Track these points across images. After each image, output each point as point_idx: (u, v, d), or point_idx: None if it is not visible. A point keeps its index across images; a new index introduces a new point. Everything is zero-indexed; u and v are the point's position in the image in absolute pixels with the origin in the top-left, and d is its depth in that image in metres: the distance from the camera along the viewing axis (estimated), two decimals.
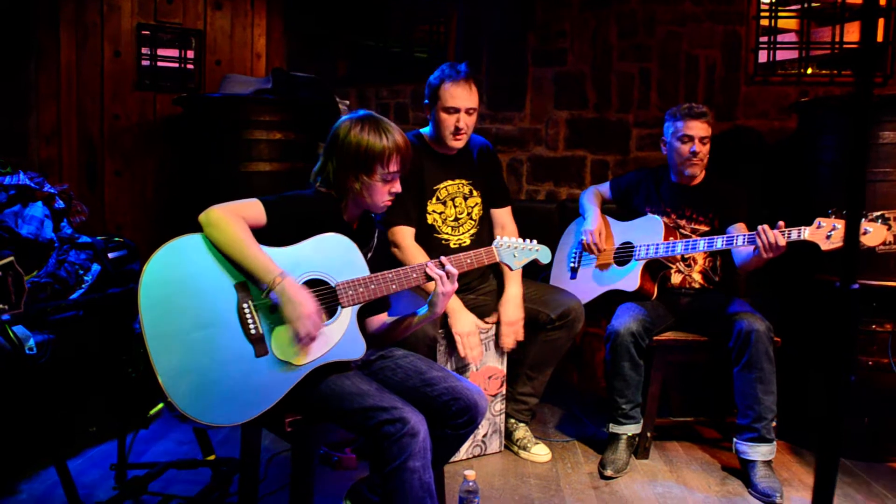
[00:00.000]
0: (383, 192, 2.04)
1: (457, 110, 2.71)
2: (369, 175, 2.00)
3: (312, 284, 1.89)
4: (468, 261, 2.08)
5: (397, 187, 2.05)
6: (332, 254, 1.95)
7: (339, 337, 1.91)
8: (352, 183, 2.02)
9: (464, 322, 2.70)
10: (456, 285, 2.03)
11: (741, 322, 2.70)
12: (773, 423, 2.70)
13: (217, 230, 1.81)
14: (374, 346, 2.19)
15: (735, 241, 2.67)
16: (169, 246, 1.78)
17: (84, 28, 3.69)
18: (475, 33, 4.07)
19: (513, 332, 2.82)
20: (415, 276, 2.00)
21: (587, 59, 3.94)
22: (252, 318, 1.80)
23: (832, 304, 0.99)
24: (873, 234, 2.40)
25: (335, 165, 2.02)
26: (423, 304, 2.12)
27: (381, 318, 2.18)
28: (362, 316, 2.15)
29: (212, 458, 2.54)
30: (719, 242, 2.71)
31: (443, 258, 2.02)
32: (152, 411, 2.49)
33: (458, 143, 2.77)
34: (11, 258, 2.45)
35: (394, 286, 1.97)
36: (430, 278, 2.01)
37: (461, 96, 2.69)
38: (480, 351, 2.74)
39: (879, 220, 2.41)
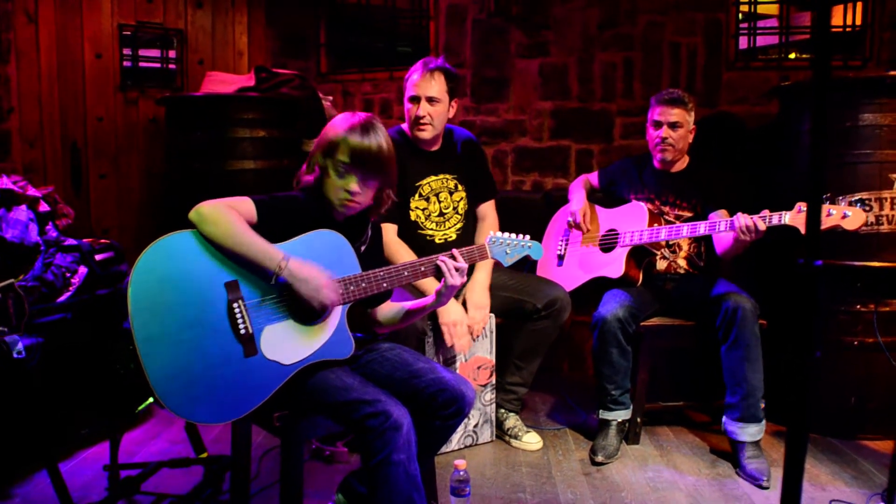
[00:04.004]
0: (336, 186, 1.97)
1: (417, 99, 2.73)
2: (324, 158, 1.99)
3: None
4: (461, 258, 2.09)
5: (353, 186, 1.97)
6: (324, 251, 1.94)
7: (328, 336, 1.91)
8: (315, 165, 2.01)
9: (451, 312, 2.71)
10: (465, 278, 2.04)
11: (727, 301, 2.72)
12: (762, 404, 2.73)
13: (212, 224, 1.80)
14: (382, 332, 2.21)
15: (717, 227, 2.69)
16: (157, 245, 1.77)
17: (64, 29, 3.67)
18: (459, 26, 4.07)
19: (479, 318, 2.81)
20: (406, 273, 2.00)
21: (570, 50, 3.95)
22: (242, 317, 1.80)
23: (796, 282, 1.01)
24: (852, 218, 2.42)
25: (313, 151, 2.03)
26: (411, 298, 2.13)
27: (392, 307, 2.18)
28: (368, 307, 2.17)
29: (204, 455, 2.55)
30: (702, 228, 2.73)
31: (454, 251, 2.04)
32: (140, 407, 2.50)
33: (423, 134, 2.77)
34: (12, 280, 2.45)
35: (385, 284, 1.98)
36: (422, 275, 2.01)
37: (421, 85, 2.72)
38: (468, 340, 2.76)
39: (858, 204, 2.43)
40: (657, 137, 2.96)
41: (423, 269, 2.01)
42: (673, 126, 2.94)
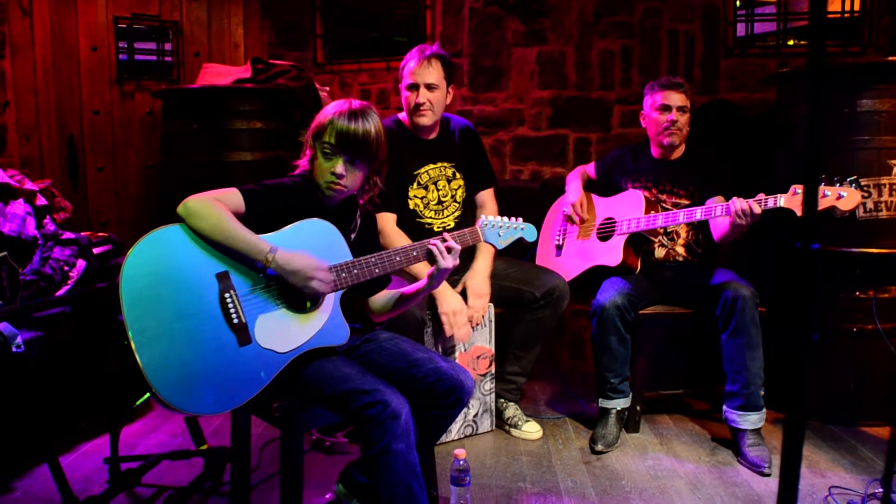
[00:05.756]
0: (324, 168, 1.99)
1: (416, 86, 2.74)
2: (313, 141, 2.01)
3: None
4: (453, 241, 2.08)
5: (339, 168, 1.97)
6: (315, 239, 1.95)
7: (322, 323, 1.92)
8: (308, 152, 2.03)
9: (450, 301, 2.71)
10: (457, 261, 2.04)
11: (727, 290, 2.72)
12: (762, 391, 2.73)
13: (200, 218, 1.80)
14: (379, 321, 2.21)
15: (714, 212, 2.69)
16: (147, 238, 1.76)
17: (59, 22, 3.66)
18: (455, 15, 4.05)
19: (479, 306, 2.81)
20: (398, 258, 2.00)
21: (568, 38, 3.93)
22: (234, 307, 1.80)
23: (794, 266, 1.01)
24: (847, 198, 2.42)
25: (307, 135, 2.04)
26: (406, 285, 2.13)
27: (384, 295, 2.19)
28: (364, 296, 2.17)
29: (204, 447, 2.55)
30: (698, 213, 2.73)
31: (445, 234, 2.04)
32: (138, 402, 2.50)
33: (423, 120, 2.78)
34: (5, 253, 2.44)
35: (377, 270, 1.98)
36: (414, 260, 2.02)
37: (419, 72, 2.73)
38: (468, 330, 2.76)
39: (853, 185, 2.42)
40: (667, 121, 2.95)
41: (414, 253, 2.01)
42: (681, 110, 2.94)
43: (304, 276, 1.84)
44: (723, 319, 2.74)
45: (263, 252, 1.81)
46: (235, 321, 1.79)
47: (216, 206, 1.81)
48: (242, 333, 1.80)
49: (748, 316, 2.67)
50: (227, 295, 1.80)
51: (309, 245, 1.92)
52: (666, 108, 2.95)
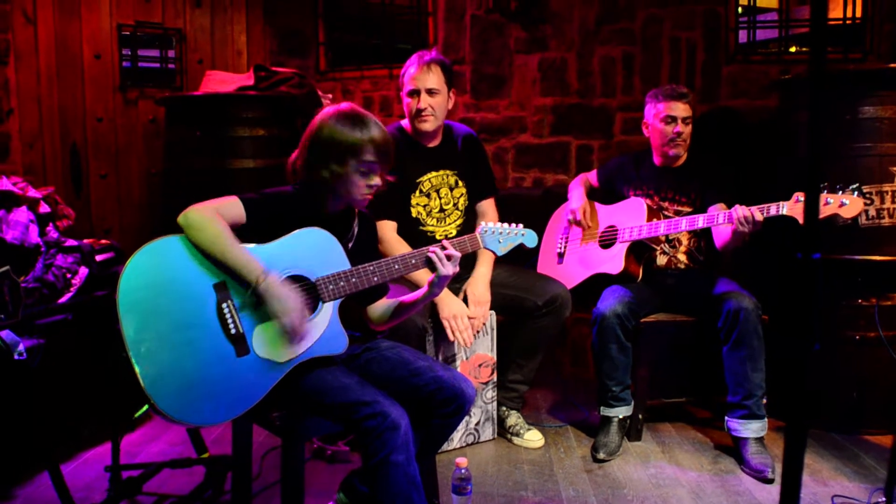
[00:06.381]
0: (360, 185, 2.01)
1: (417, 92, 2.76)
2: (341, 166, 1.99)
3: (292, 281, 1.89)
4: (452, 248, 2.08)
5: (376, 180, 2.02)
6: (312, 249, 1.95)
7: (320, 332, 1.91)
8: (323, 174, 2.00)
9: (451, 306, 2.70)
10: (457, 268, 2.04)
11: (729, 301, 2.71)
12: (764, 400, 2.73)
13: (198, 231, 1.81)
14: (379, 329, 2.21)
15: (716, 219, 2.68)
16: (146, 249, 1.77)
17: (63, 30, 3.67)
18: (457, 23, 4.06)
19: (480, 313, 2.78)
20: (397, 266, 2.00)
21: (570, 46, 3.94)
22: (232, 317, 1.80)
23: (795, 275, 1.01)
24: (850, 206, 2.41)
25: (307, 156, 2.03)
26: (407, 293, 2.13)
27: (383, 303, 2.19)
28: (362, 304, 2.17)
29: (206, 456, 2.55)
30: (701, 221, 2.73)
31: (444, 241, 2.05)
32: (137, 413, 2.50)
33: (426, 125, 2.79)
34: (7, 268, 2.45)
35: (375, 278, 1.98)
36: (413, 267, 2.02)
37: (419, 78, 2.76)
38: (470, 334, 2.74)
39: (856, 193, 2.41)
40: (673, 133, 2.94)
41: (413, 261, 2.02)
42: (685, 121, 2.94)
43: (285, 307, 1.81)
44: (725, 331, 2.73)
45: (255, 273, 1.80)
46: (233, 331, 1.79)
47: (216, 221, 1.82)
48: (240, 344, 1.80)
49: (750, 328, 2.66)
50: (224, 305, 1.80)
51: (306, 254, 1.93)
52: (671, 120, 2.94)
